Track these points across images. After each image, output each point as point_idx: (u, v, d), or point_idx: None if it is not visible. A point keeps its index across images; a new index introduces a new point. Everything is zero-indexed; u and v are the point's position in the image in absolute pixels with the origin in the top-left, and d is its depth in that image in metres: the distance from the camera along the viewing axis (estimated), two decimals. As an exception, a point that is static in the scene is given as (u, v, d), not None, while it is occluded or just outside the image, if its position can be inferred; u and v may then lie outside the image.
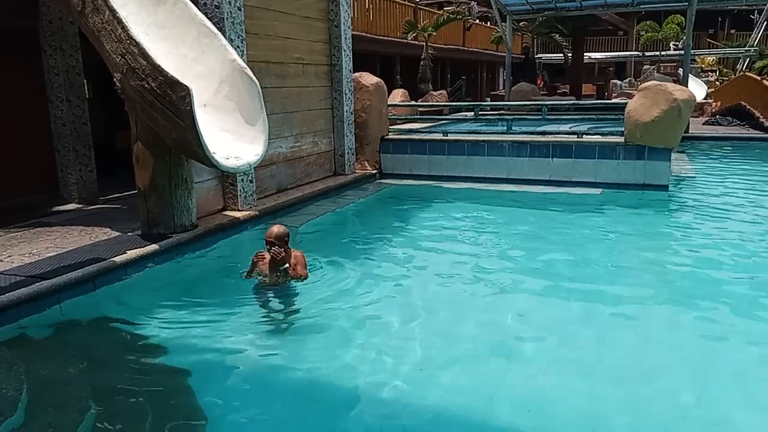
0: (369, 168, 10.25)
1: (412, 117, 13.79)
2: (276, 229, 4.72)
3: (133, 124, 5.63)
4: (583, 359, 3.73)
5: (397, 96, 15.80)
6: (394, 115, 11.79)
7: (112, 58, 5.33)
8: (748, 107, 17.87)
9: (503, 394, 3.34)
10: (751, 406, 3.19)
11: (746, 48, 30.57)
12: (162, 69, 5.04)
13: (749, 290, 4.82)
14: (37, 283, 4.37)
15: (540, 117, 10.87)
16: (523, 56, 28.98)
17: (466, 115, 14.42)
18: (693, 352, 3.82)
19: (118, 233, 5.83)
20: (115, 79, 5.43)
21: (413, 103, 16.05)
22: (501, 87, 30.45)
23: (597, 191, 8.69)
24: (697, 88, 18.93)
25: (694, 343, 3.95)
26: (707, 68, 31.62)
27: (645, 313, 4.42)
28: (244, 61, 6.22)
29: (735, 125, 17.45)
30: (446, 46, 26.31)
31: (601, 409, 3.16)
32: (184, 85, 4.97)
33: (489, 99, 24.77)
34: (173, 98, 5.01)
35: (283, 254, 4.66)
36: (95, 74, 8.12)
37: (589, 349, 3.88)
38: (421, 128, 11.68)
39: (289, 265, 4.74)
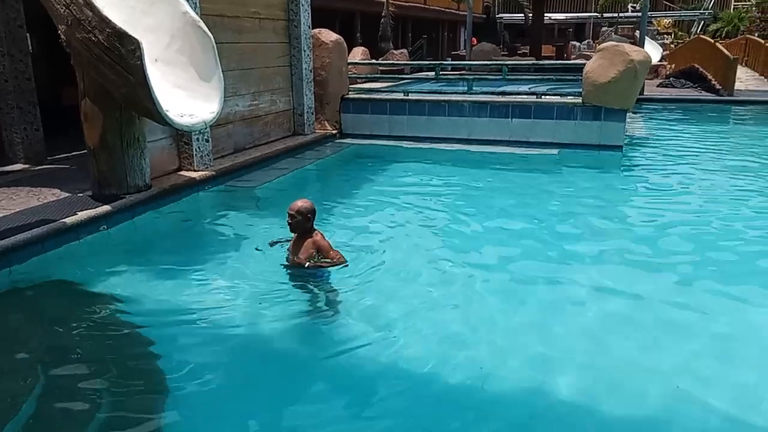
0: (329, 128, 10.11)
1: (372, 76, 13.62)
2: (299, 202, 4.24)
3: (80, 80, 5.38)
4: (532, 316, 3.85)
5: (357, 54, 15.54)
6: (355, 74, 11.61)
7: (56, 8, 5.04)
8: (701, 70, 18.29)
9: (458, 340, 3.43)
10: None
11: (701, 11, 31.06)
12: (109, 21, 4.80)
13: (699, 243, 5.02)
14: (-17, 246, 4.21)
15: (501, 77, 10.90)
16: (485, 16, 28.82)
17: (427, 75, 14.31)
18: (649, 305, 3.95)
19: (67, 194, 5.62)
20: (59, 32, 5.15)
21: (374, 61, 15.83)
22: (462, 47, 30.28)
23: (555, 151, 8.82)
24: (653, 51, 19.20)
25: (650, 297, 4.09)
26: (663, 30, 32.13)
27: (600, 270, 4.54)
28: (197, 14, 5.98)
29: (688, 87, 17.85)
30: (408, 4, 25.93)
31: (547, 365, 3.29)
32: (134, 38, 4.75)
33: (450, 59, 24.62)
34: (122, 52, 4.79)
35: (295, 222, 4.21)
36: (38, 27, 7.68)
37: (538, 305, 3.99)
38: (381, 88, 11.54)
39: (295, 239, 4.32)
